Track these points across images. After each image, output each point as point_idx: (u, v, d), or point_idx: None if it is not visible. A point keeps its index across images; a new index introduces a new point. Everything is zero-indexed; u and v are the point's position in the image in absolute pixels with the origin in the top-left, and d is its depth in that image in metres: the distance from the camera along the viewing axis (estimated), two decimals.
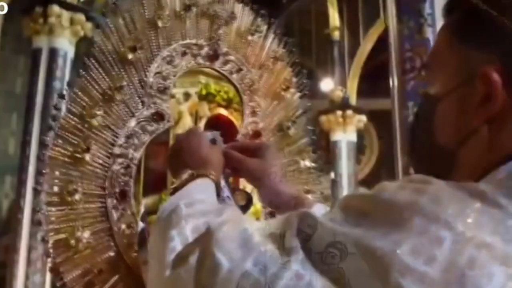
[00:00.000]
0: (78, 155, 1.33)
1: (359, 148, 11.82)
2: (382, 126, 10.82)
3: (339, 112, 11.16)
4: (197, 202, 1.02)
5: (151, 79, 1.47)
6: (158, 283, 0.93)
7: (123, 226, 1.36)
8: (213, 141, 1.32)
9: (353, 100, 11.33)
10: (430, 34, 4.32)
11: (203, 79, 6.03)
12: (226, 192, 1.31)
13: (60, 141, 1.32)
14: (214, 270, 0.78)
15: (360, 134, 11.62)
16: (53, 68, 7.55)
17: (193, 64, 1.56)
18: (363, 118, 11.26)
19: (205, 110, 4.61)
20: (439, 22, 4.30)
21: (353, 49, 11.20)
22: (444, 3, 0.97)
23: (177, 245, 0.91)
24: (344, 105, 11.27)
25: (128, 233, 1.36)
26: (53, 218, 1.28)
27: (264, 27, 1.68)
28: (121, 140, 1.40)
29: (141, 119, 1.44)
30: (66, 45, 7.92)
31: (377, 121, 11.61)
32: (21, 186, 6.91)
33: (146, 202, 1.61)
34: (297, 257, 0.73)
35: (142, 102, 1.45)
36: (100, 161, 1.37)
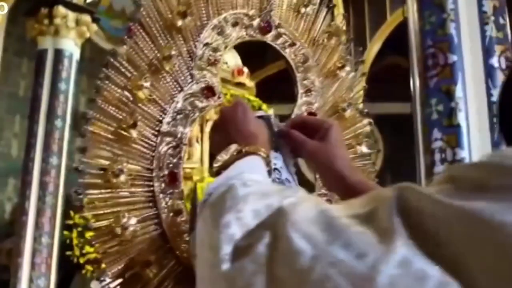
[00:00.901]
0: (123, 132, 1.17)
1: None
2: (387, 130, 10.72)
3: None
4: (253, 182, 0.85)
5: (200, 50, 1.31)
6: (213, 281, 0.73)
7: (172, 213, 1.20)
8: (269, 123, 1.18)
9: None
10: (453, 30, 4.18)
11: None
12: (284, 174, 1.16)
13: (103, 115, 1.16)
14: (294, 257, 0.61)
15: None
16: (58, 70, 7.41)
17: (244, 36, 1.40)
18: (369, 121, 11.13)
19: (211, 113, 4.48)
20: (463, 17, 4.17)
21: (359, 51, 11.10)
22: None
23: (235, 232, 0.72)
24: None
25: (178, 220, 1.20)
26: (96, 203, 1.11)
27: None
28: (169, 117, 1.24)
29: (191, 94, 1.28)
30: (71, 46, 7.79)
31: (382, 124, 11.51)
32: (25, 188, 6.74)
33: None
34: (400, 238, 0.57)
35: (191, 75, 1.29)
36: (147, 140, 1.21)
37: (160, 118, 1.23)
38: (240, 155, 0.99)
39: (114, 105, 1.17)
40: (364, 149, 1.54)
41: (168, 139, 1.23)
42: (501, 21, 4.15)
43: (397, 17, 10.03)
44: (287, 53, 1.47)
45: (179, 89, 1.27)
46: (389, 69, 10.97)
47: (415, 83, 4.32)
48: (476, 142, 3.94)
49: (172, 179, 1.21)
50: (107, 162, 1.14)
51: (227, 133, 1.08)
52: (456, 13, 4.19)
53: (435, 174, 3.96)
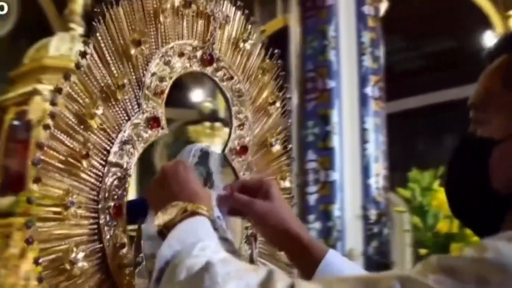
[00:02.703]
0: (75, 161, 1.13)
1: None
2: None
3: (207, 124, 11.12)
4: (227, 258, 0.88)
5: (148, 79, 1.29)
6: None
7: (116, 246, 1.17)
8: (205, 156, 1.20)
9: (222, 113, 11.34)
10: (333, 57, 4.38)
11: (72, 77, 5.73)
12: (216, 212, 1.18)
13: (56, 143, 1.11)
14: None
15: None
16: None
17: (187, 67, 1.40)
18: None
19: None
20: (343, 46, 4.39)
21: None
22: (491, 46, 0.94)
23: None
24: (212, 116, 11.25)
25: (121, 253, 1.18)
26: (46, 236, 1.07)
27: (254, 35, 1.56)
28: (116, 147, 1.22)
29: (137, 124, 1.26)
30: None
31: None
32: None
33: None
34: None
35: (138, 105, 1.27)
36: (95, 170, 1.17)
37: (108, 148, 1.20)
38: (185, 214, 1.00)
39: (67, 133, 1.13)
40: (287, 184, 1.59)
41: (115, 169, 1.21)
42: (377, 53, 4.42)
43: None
44: (225, 86, 1.49)
45: (126, 118, 1.25)
46: None
47: (293, 105, 4.47)
48: (348, 165, 4.16)
49: (117, 211, 1.19)
50: (59, 194, 1.09)
51: (167, 190, 1.07)
52: (337, 41, 4.40)
53: (308, 194, 4.11)
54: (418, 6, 8.03)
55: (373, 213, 3.93)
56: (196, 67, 1.42)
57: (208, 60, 1.44)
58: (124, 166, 1.22)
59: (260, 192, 1.19)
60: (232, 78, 1.49)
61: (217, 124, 11.13)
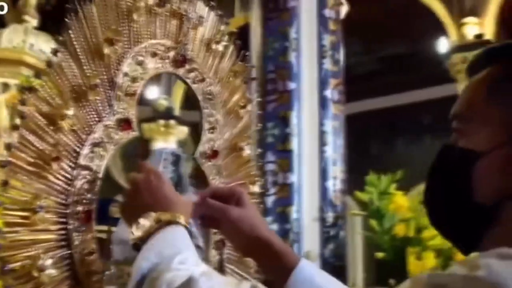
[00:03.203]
0: (44, 164, 1.08)
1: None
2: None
3: (161, 121, 11.02)
4: (209, 273, 0.85)
5: (120, 80, 1.25)
6: None
7: (84, 253, 1.13)
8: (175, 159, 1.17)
9: (177, 111, 11.25)
10: (294, 59, 4.38)
11: (25, 70, 5.58)
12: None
13: (24, 144, 1.06)
14: None
15: (181, 145, 11.59)
16: None
17: (160, 67, 1.36)
18: (185, 129, 11.24)
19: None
20: (304, 48, 4.39)
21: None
22: (474, 58, 0.94)
23: None
24: (167, 114, 11.16)
25: (89, 260, 1.14)
26: (13, 242, 1.02)
27: (227, 37, 1.53)
28: (86, 149, 1.17)
29: (108, 126, 1.22)
30: None
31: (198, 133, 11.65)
32: None
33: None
34: None
35: (110, 106, 1.23)
36: (65, 173, 1.13)
37: (78, 150, 1.16)
38: (160, 224, 0.97)
39: (36, 133, 1.08)
40: (256, 188, 1.57)
41: (84, 172, 1.16)
42: (337, 56, 4.44)
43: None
44: (196, 88, 1.46)
45: (97, 119, 1.21)
46: None
47: (253, 105, 4.45)
48: (306, 167, 4.16)
49: (86, 216, 1.15)
50: (27, 198, 1.04)
51: (140, 201, 1.03)
52: (298, 43, 4.39)
53: (265, 195, 4.10)
54: (376, 10, 8.13)
55: (330, 216, 3.94)
56: (168, 68, 1.39)
57: (181, 61, 1.41)
58: (94, 169, 1.18)
59: (232, 199, 1.17)
60: (203, 80, 1.46)
61: (172, 122, 11.03)
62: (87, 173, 1.16)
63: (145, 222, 0.98)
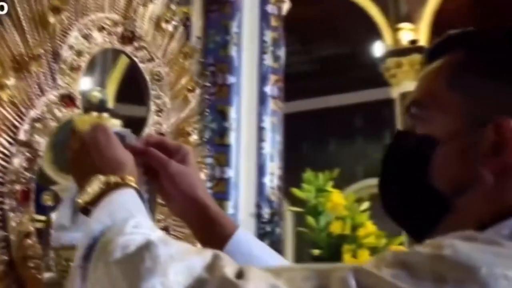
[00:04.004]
0: None
1: None
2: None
3: (94, 113, 10.80)
4: (169, 241, 0.79)
5: (65, 53, 1.17)
6: None
7: (21, 235, 1.05)
8: (122, 140, 1.09)
9: (110, 103, 11.07)
10: (235, 53, 4.34)
11: None
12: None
13: None
14: None
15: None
16: None
17: (107, 43, 1.29)
18: (118, 123, 11.08)
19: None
20: (245, 43, 4.36)
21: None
22: (432, 45, 0.93)
23: None
24: (100, 107, 10.94)
25: (26, 244, 1.05)
26: None
27: (177, 16, 1.47)
28: (26, 124, 1.09)
29: (50, 101, 1.14)
30: None
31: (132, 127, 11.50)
32: None
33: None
34: None
35: (53, 79, 1.15)
36: (2, 149, 1.04)
37: (18, 125, 1.07)
38: (109, 187, 0.91)
39: None
40: (202, 176, 1.52)
41: (24, 149, 1.08)
42: (278, 52, 4.42)
43: None
44: (144, 68, 1.39)
45: (39, 93, 1.12)
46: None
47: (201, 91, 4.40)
48: (243, 162, 4.13)
49: (24, 196, 1.06)
50: None
51: (89, 162, 0.97)
52: (239, 37, 4.34)
53: None
54: (313, 11, 8.20)
55: (266, 212, 3.92)
56: (116, 44, 1.31)
57: (129, 37, 1.34)
58: (34, 146, 1.09)
59: (177, 155, 1.10)
60: (152, 59, 1.40)
61: (105, 115, 10.82)
62: (27, 150, 1.08)
63: (94, 185, 0.91)
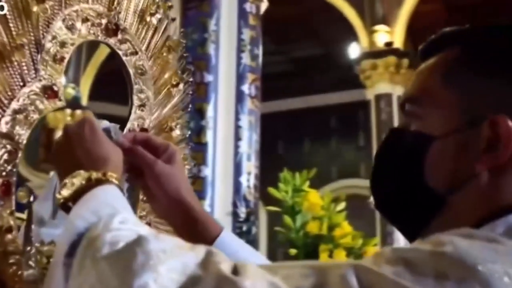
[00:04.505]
0: None
1: None
2: None
3: (68, 111, 10.68)
4: (161, 237, 0.76)
5: (49, 43, 1.14)
6: None
7: (1, 230, 1.02)
8: (109, 134, 1.07)
9: (85, 100, 10.97)
10: (213, 51, 4.32)
11: None
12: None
13: None
14: None
15: None
16: None
17: (92, 35, 1.26)
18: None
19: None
20: (223, 41, 4.34)
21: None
22: (430, 40, 0.93)
23: None
24: (74, 104, 10.84)
25: (6, 239, 1.02)
26: None
27: (162, 9, 1.45)
28: (7, 116, 1.06)
29: (32, 92, 1.11)
30: None
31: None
32: None
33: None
34: None
35: (36, 70, 1.12)
36: None
37: None
38: (90, 183, 0.89)
39: None
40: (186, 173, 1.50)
41: (5, 141, 1.05)
42: (256, 51, 4.41)
43: None
44: (128, 61, 1.36)
45: (21, 84, 1.09)
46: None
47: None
48: (220, 161, 4.11)
49: (5, 189, 1.03)
50: None
51: (72, 156, 0.95)
52: (217, 35, 4.33)
53: None
54: (290, 11, 8.21)
55: (242, 211, 3.90)
56: (99, 36, 1.28)
57: (113, 30, 1.31)
58: (16, 138, 1.06)
59: (164, 155, 1.08)
60: (136, 53, 1.37)
61: (78, 112, 10.70)
62: (8, 143, 1.05)
63: (75, 180, 0.89)
